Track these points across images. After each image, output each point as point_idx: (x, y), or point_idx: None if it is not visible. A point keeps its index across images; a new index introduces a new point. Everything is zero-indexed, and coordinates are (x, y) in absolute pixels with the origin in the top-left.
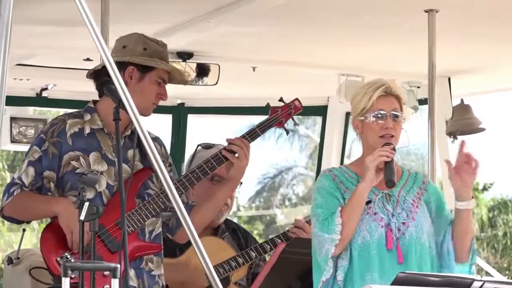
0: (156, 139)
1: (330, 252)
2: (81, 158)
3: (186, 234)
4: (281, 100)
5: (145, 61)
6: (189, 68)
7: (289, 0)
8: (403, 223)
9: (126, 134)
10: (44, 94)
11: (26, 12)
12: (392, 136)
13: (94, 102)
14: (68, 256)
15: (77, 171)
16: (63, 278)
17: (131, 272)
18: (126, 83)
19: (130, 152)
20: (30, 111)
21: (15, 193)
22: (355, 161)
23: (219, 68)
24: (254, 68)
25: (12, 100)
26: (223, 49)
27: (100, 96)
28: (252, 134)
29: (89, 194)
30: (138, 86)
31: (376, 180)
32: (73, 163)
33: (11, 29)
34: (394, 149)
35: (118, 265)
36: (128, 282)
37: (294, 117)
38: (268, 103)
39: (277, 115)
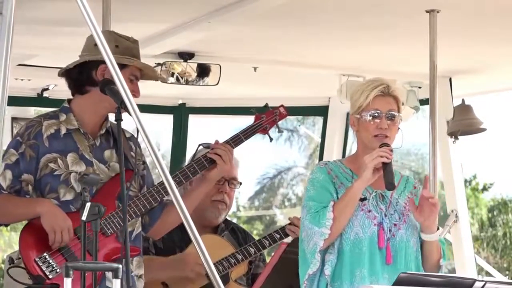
0: (131, 138)
1: (318, 245)
2: (58, 159)
3: (158, 231)
4: (266, 106)
5: (117, 59)
6: (190, 68)
7: (290, 0)
8: (395, 225)
9: (100, 133)
10: (45, 94)
11: (27, 12)
12: (387, 136)
13: (69, 101)
14: (47, 257)
15: (56, 173)
16: (65, 279)
17: (109, 274)
18: (98, 82)
19: (107, 153)
20: (31, 112)
21: None
22: (349, 157)
23: (220, 68)
24: (255, 68)
25: (13, 100)
26: (224, 49)
27: (73, 94)
28: (236, 140)
29: (68, 196)
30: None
31: (372, 180)
32: (51, 165)
33: (13, 29)
34: (391, 150)
35: (120, 266)
36: (130, 282)
37: (296, 118)
38: (266, 103)
39: (262, 122)
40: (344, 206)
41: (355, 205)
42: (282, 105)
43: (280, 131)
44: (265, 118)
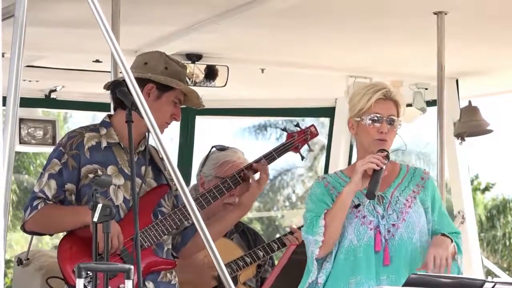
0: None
1: (314, 254)
2: (99, 171)
3: (190, 251)
4: (297, 125)
5: (165, 80)
6: (197, 70)
7: (297, 2)
8: (393, 225)
9: (139, 150)
10: (53, 95)
11: (36, 14)
12: (386, 140)
13: (109, 116)
14: None
15: None
16: (77, 279)
17: (150, 285)
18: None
19: (143, 169)
20: (39, 113)
21: (39, 207)
22: (351, 165)
23: (228, 69)
24: (262, 70)
25: (20, 102)
26: (232, 51)
27: (114, 109)
28: (269, 157)
29: None
30: (155, 104)
31: (362, 185)
32: (91, 176)
33: (25, 30)
34: (387, 156)
35: (132, 266)
36: (141, 284)
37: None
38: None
39: (294, 140)
40: (335, 212)
41: (346, 210)
42: (312, 125)
43: (311, 150)
44: (297, 136)
